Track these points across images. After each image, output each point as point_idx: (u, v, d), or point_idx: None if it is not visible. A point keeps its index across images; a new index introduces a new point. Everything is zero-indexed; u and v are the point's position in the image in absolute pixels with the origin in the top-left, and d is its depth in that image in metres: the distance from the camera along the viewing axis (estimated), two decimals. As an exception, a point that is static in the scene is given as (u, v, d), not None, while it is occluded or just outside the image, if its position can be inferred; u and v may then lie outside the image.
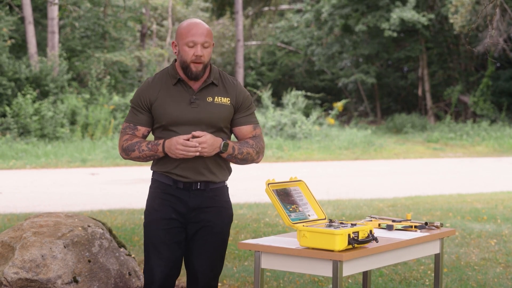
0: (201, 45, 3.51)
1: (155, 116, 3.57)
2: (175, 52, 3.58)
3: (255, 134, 3.64)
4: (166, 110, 3.54)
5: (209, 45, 3.54)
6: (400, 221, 3.85)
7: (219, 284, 5.33)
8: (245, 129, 3.63)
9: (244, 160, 3.59)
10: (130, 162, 15.44)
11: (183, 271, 4.77)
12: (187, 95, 3.55)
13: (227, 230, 3.68)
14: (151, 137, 3.73)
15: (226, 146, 3.50)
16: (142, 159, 3.59)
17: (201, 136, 3.46)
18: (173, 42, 3.61)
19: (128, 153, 3.59)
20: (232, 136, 3.73)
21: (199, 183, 3.57)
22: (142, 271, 4.17)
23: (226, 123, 3.60)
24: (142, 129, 3.61)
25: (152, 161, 3.67)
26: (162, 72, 3.65)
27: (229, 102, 3.59)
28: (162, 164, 3.60)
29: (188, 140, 3.45)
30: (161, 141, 3.52)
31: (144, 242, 3.69)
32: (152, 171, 3.70)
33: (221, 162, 3.61)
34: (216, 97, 3.57)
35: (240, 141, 3.61)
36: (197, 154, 3.46)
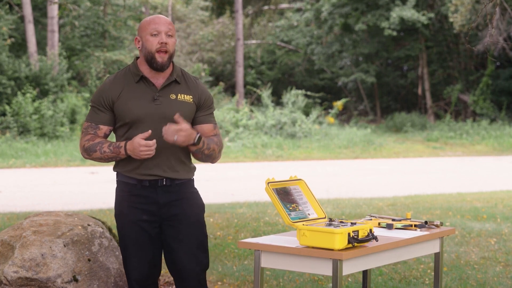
0: (165, 33, 3.51)
1: (118, 114, 3.54)
2: (139, 48, 3.56)
3: (216, 133, 3.66)
4: (129, 107, 3.51)
5: (173, 34, 3.54)
6: (400, 220, 3.85)
7: (218, 283, 5.32)
8: (206, 127, 3.62)
9: (209, 156, 3.60)
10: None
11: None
12: (150, 92, 3.54)
13: (202, 219, 3.64)
14: (112, 136, 3.71)
15: (199, 139, 3.49)
16: (104, 160, 3.57)
17: (180, 123, 3.43)
18: (136, 38, 3.59)
19: (90, 154, 3.57)
20: None
21: (164, 179, 3.56)
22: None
23: (188, 121, 3.56)
24: (104, 128, 3.57)
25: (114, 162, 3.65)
26: (123, 70, 3.63)
27: (191, 100, 3.58)
28: (124, 165, 3.59)
29: (148, 138, 3.44)
30: (122, 144, 3.49)
31: (119, 244, 3.69)
32: (115, 172, 3.67)
33: (184, 159, 3.61)
34: (179, 95, 3.56)
35: (207, 137, 3.60)
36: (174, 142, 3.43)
